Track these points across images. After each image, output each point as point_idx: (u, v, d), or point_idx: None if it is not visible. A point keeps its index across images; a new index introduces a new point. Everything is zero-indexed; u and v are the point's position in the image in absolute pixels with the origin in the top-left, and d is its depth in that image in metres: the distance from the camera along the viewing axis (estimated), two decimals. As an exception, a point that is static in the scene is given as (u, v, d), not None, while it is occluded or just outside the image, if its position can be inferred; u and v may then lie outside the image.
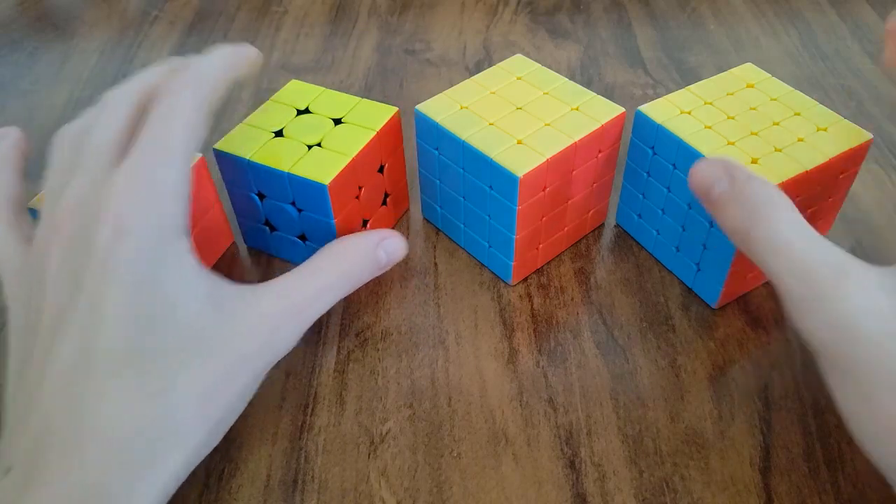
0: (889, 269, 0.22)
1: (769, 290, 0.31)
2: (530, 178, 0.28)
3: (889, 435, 0.20)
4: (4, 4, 0.54)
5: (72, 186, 0.23)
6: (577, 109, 0.30)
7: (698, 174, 0.25)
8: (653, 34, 0.49)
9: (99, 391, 0.21)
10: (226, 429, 0.24)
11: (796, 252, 0.22)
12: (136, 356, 0.21)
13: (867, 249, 0.33)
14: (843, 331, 0.20)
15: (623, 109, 0.30)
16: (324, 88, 0.33)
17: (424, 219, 0.35)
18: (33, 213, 0.28)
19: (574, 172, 0.30)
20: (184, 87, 0.25)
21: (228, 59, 0.27)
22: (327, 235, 0.30)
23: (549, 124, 0.29)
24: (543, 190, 0.29)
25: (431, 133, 0.30)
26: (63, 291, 0.22)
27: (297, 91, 0.33)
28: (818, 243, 0.22)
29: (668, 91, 0.44)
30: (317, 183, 0.28)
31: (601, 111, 0.30)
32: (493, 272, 0.32)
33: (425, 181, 0.33)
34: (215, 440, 0.23)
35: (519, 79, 0.32)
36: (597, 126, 0.29)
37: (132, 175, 0.22)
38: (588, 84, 0.45)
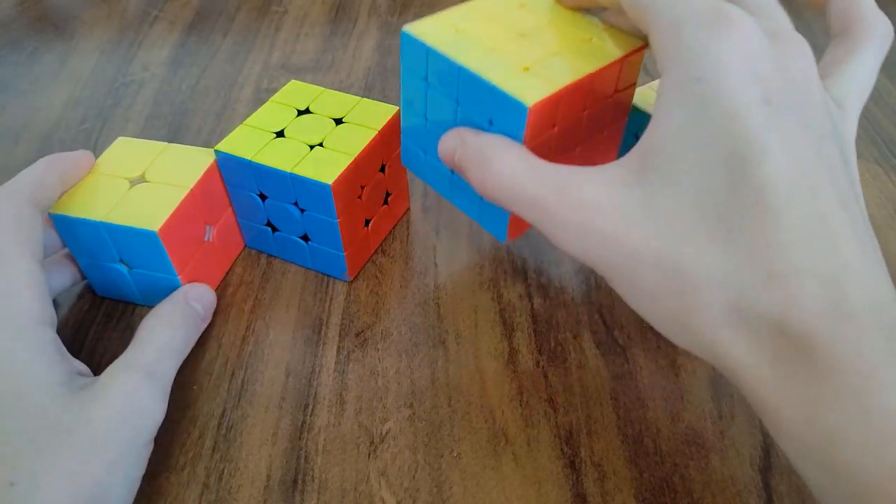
0: (624, 160, 0.21)
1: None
2: (541, 109, 0.23)
3: (656, 305, 0.20)
4: (4, 4, 0.54)
5: None
6: (588, 40, 0.26)
7: (441, 146, 0.25)
8: (653, 34, 0.49)
9: None
10: None
11: (521, 184, 0.22)
12: None
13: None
14: (591, 238, 0.20)
15: (643, 42, 0.26)
16: (323, 88, 0.33)
17: (403, 165, 0.31)
18: (53, 217, 0.28)
19: (585, 112, 0.26)
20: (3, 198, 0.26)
21: (52, 164, 0.28)
22: (331, 235, 0.30)
23: (558, 53, 0.25)
24: (553, 128, 0.25)
25: (420, 58, 0.25)
26: None
27: (296, 91, 0.33)
28: (543, 169, 0.22)
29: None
30: (320, 183, 0.28)
31: (619, 43, 0.26)
32: (483, 228, 0.29)
33: (408, 120, 0.28)
34: None
35: (521, 6, 0.28)
36: (615, 57, 0.25)
37: None
38: (588, 84, 0.44)
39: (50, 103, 0.44)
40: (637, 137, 0.26)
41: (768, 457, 0.25)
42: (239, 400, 0.28)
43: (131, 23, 0.52)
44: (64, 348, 0.25)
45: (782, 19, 0.23)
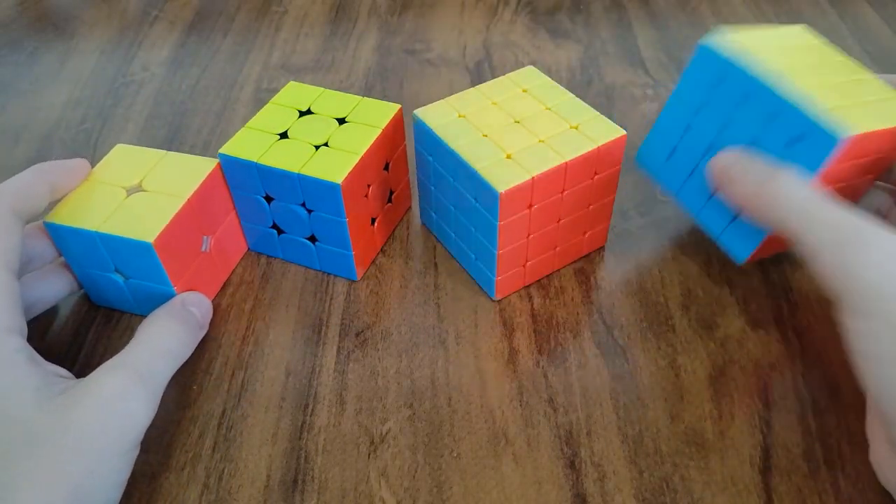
0: None
1: (769, 290, 0.31)
2: (512, 195, 0.27)
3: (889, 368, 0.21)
4: (4, 4, 0.54)
5: None
6: (575, 128, 0.29)
7: (717, 162, 0.28)
8: (653, 34, 0.49)
9: None
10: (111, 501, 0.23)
11: (819, 209, 0.24)
12: None
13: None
14: (862, 279, 0.22)
15: (624, 133, 0.29)
16: (323, 89, 0.33)
17: (422, 224, 0.35)
18: (47, 226, 0.28)
19: (565, 192, 0.29)
20: None
21: (37, 172, 0.27)
22: (340, 235, 0.30)
23: (543, 141, 0.29)
24: (529, 207, 0.28)
25: (427, 139, 0.30)
26: None
27: (296, 92, 0.33)
28: (831, 201, 0.24)
29: (668, 91, 0.44)
30: (330, 182, 0.28)
31: (600, 132, 0.29)
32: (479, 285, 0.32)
33: (422, 186, 0.33)
34: None
35: (525, 91, 0.32)
36: (592, 147, 0.28)
37: None
38: (588, 84, 0.45)
39: (50, 103, 0.44)
40: (796, 140, 0.26)
41: (768, 457, 0.25)
42: (239, 400, 0.28)
43: (131, 23, 0.52)
44: (36, 355, 0.24)
45: None
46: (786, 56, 0.28)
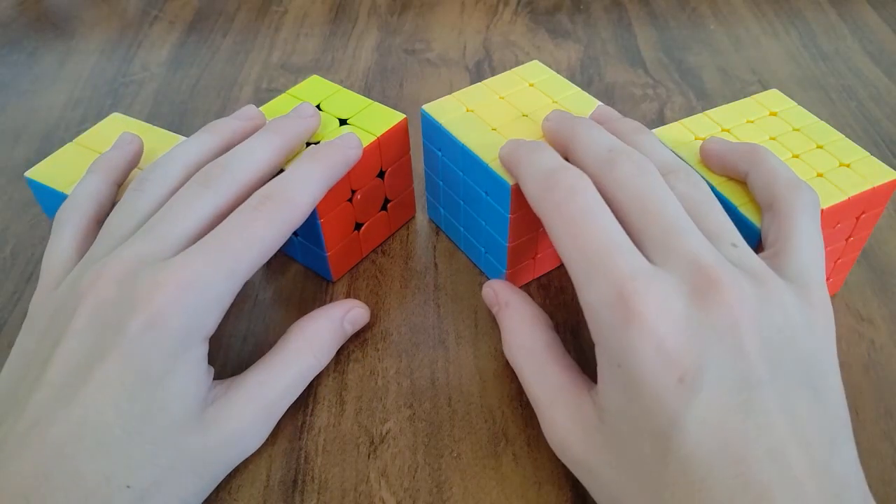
0: (593, 404, 0.23)
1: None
2: None
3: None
4: (4, 4, 0.54)
5: (129, 247, 0.23)
6: None
7: (484, 289, 0.29)
8: (653, 34, 0.49)
9: (69, 469, 0.20)
10: None
11: (525, 365, 0.26)
12: (114, 441, 0.21)
13: (867, 251, 0.33)
14: (566, 454, 0.24)
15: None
16: (340, 87, 0.32)
17: (429, 219, 0.35)
18: (28, 179, 0.29)
19: None
20: (277, 209, 0.25)
21: (327, 168, 0.27)
22: (315, 234, 0.30)
23: None
24: None
25: (435, 134, 0.30)
26: (79, 354, 0.22)
27: (314, 87, 0.33)
28: (549, 372, 0.25)
29: (668, 91, 0.44)
30: None
31: None
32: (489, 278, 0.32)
33: (430, 181, 0.33)
34: None
35: (531, 85, 0.32)
36: None
37: (187, 277, 0.22)
38: (588, 84, 0.45)
39: (50, 103, 0.44)
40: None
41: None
42: (239, 400, 0.28)
43: (131, 23, 0.52)
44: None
45: (722, 244, 0.22)
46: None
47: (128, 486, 0.21)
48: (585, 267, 0.22)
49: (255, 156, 0.26)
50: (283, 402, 0.26)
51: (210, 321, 0.23)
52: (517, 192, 0.27)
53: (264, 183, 0.26)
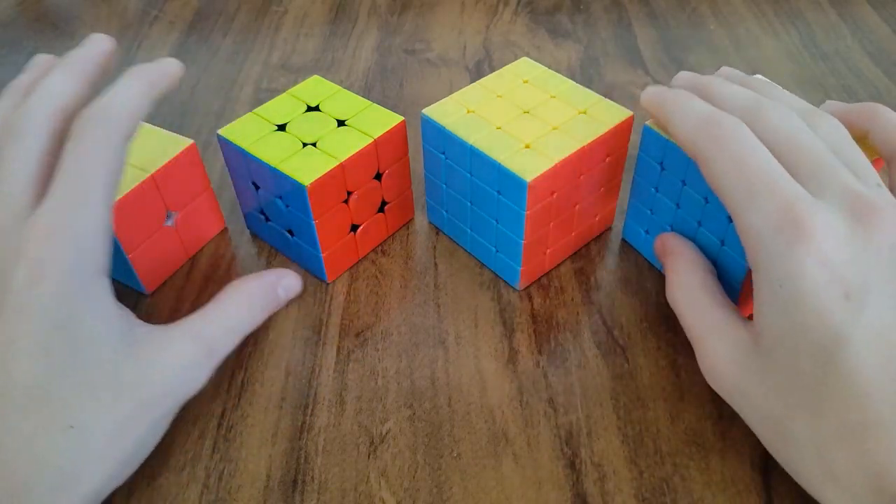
0: (746, 329, 0.24)
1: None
2: (539, 183, 0.27)
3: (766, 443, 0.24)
4: (4, 4, 0.54)
5: None
6: (584, 113, 0.30)
7: (656, 242, 0.30)
8: (653, 34, 0.49)
9: (7, 426, 0.21)
10: (138, 463, 0.24)
11: (686, 306, 0.27)
12: (47, 393, 0.21)
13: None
14: (721, 381, 0.25)
15: (631, 113, 0.30)
16: (340, 88, 0.32)
17: (429, 223, 0.35)
18: None
19: (581, 177, 0.29)
20: (99, 125, 0.24)
21: (144, 83, 0.27)
22: (309, 235, 0.30)
23: (556, 128, 0.29)
24: (552, 195, 0.29)
25: (438, 137, 0.30)
26: None
27: (315, 87, 0.33)
28: (705, 307, 0.27)
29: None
30: (297, 182, 0.28)
31: (609, 115, 0.30)
32: (499, 276, 0.32)
33: (431, 185, 0.33)
34: (127, 473, 0.24)
35: (526, 82, 0.32)
36: (605, 130, 0.29)
37: (50, 220, 0.23)
38: (588, 84, 0.45)
39: (50, 103, 0.44)
40: (662, 165, 0.29)
41: (768, 457, 0.25)
42: (239, 400, 0.28)
43: (131, 23, 0.52)
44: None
45: (869, 182, 0.23)
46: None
47: (71, 427, 0.21)
48: (749, 194, 0.23)
49: (52, 89, 0.26)
50: (222, 345, 0.26)
51: (91, 254, 0.23)
52: (533, 189, 0.27)
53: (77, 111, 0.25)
